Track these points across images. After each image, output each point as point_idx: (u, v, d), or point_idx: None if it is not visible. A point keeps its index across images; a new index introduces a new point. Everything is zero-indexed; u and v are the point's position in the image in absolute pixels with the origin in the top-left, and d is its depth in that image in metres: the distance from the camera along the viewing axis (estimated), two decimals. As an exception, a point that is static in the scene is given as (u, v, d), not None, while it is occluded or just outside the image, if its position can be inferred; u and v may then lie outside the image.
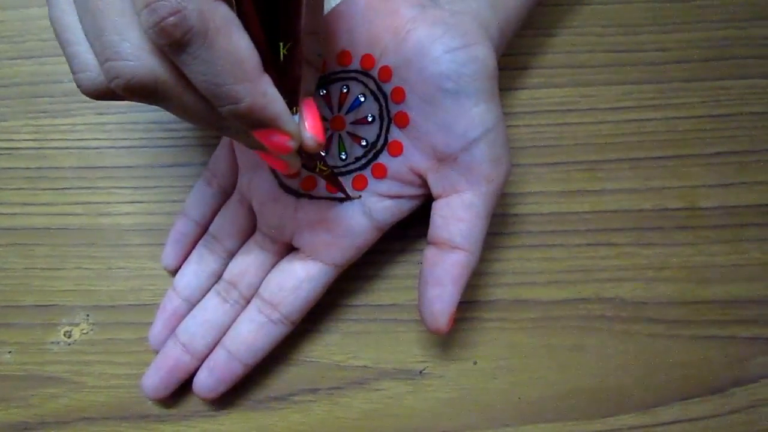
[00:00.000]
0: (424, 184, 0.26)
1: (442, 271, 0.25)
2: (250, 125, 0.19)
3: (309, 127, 0.21)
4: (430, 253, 0.26)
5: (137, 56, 0.18)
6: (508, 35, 0.27)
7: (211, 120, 0.20)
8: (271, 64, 0.19)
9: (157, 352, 0.28)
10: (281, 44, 0.19)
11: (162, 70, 0.18)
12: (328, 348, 0.30)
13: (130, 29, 0.18)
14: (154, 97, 0.19)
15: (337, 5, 0.27)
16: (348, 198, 0.26)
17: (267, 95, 0.19)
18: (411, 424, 0.29)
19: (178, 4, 0.17)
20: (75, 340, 0.30)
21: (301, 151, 0.22)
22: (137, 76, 0.18)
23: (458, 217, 0.25)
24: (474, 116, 0.24)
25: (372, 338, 0.30)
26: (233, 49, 0.18)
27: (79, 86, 0.19)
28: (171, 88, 0.18)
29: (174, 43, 0.17)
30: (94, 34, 0.18)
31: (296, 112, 0.21)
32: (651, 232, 0.31)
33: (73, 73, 0.19)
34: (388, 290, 0.30)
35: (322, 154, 0.26)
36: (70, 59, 0.19)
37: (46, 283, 0.30)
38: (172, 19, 0.17)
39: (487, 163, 0.25)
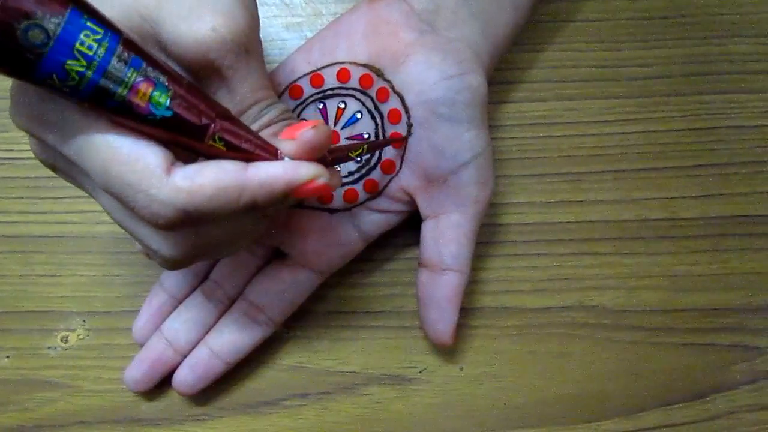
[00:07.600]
0: (412, 201, 0.27)
1: (438, 293, 0.27)
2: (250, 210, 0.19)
3: (292, 145, 0.19)
4: (424, 277, 0.27)
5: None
6: (496, 60, 0.29)
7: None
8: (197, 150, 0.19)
9: (141, 345, 0.29)
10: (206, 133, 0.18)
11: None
12: (318, 354, 0.30)
13: None
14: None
15: (337, 21, 0.27)
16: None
17: (201, 184, 0.18)
18: (398, 428, 0.29)
19: None
20: (71, 346, 0.30)
21: (329, 158, 0.21)
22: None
23: (447, 238, 0.26)
24: (465, 141, 0.25)
25: (361, 344, 0.30)
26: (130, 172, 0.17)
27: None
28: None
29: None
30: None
31: (281, 156, 0.19)
32: (633, 242, 0.31)
33: None
34: (376, 297, 0.31)
35: (342, 145, 0.24)
36: None
37: (44, 290, 0.31)
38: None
39: (474, 186, 0.26)
